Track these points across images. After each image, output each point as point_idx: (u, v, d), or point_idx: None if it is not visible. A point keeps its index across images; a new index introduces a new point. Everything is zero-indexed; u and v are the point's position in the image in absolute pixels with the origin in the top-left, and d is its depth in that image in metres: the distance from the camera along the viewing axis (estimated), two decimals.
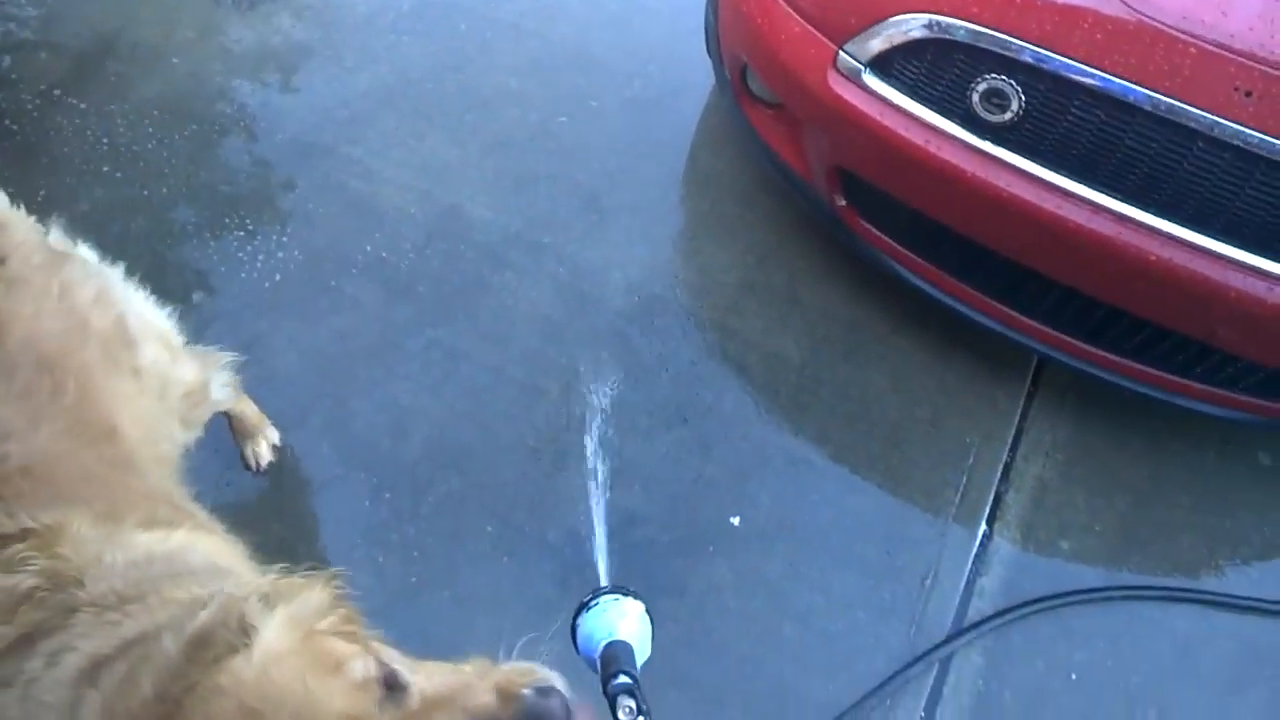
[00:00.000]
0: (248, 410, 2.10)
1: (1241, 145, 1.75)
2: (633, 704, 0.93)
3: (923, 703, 1.96)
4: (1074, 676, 2.01)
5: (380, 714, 0.91)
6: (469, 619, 1.96)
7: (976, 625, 2.02)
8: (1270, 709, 2.01)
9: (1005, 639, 2.03)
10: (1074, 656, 2.03)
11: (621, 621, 1.03)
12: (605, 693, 0.96)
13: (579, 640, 1.06)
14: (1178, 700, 2.01)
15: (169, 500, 1.44)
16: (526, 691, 0.92)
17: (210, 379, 1.84)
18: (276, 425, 2.16)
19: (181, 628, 1.01)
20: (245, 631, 0.96)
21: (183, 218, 2.56)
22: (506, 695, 0.92)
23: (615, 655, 0.99)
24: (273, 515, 2.10)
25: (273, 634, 0.97)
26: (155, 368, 1.65)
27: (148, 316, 1.73)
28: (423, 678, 0.96)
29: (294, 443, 2.18)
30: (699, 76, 2.85)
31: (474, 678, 0.96)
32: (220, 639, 0.96)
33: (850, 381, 2.37)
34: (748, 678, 1.94)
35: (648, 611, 1.07)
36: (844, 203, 2.33)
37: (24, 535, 1.18)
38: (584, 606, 1.07)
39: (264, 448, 2.13)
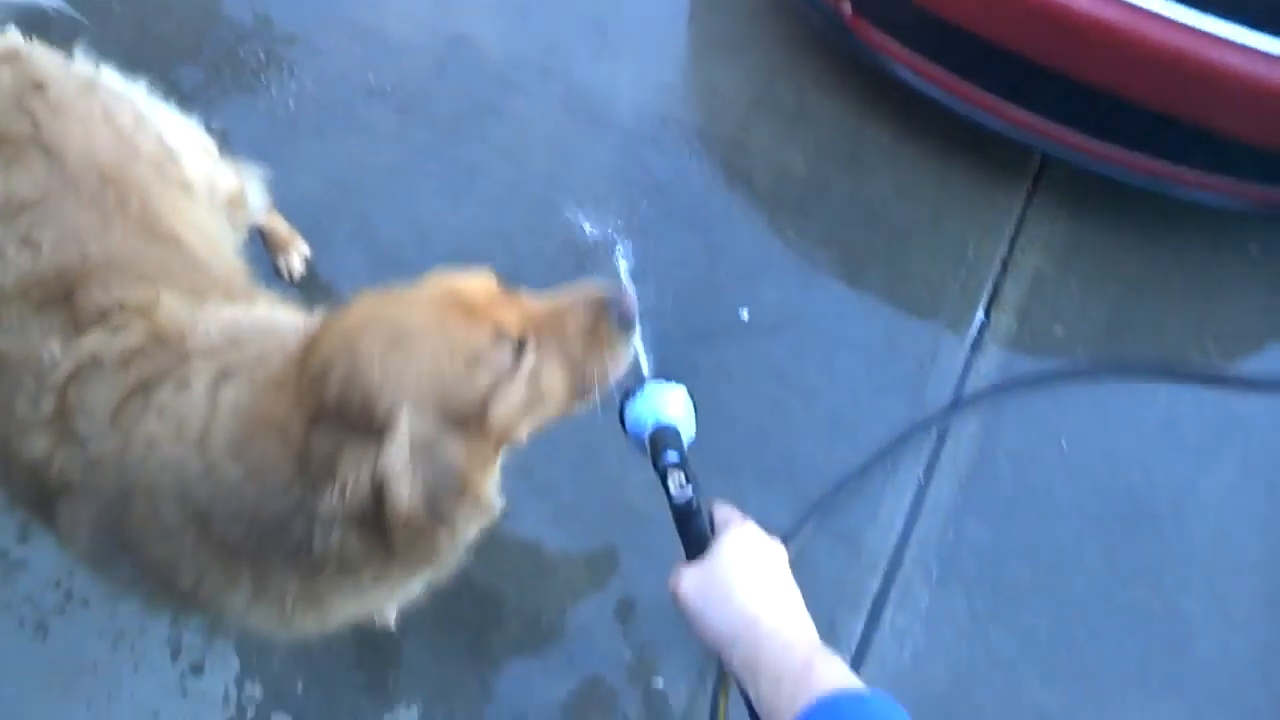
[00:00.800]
0: (278, 225, 2.21)
1: None
2: (682, 477, 1.00)
3: (922, 467, 2.11)
4: (1064, 444, 2.16)
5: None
6: None
7: (972, 399, 2.16)
8: (1243, 468, 2.16)
9: (1000, 411, 2.18)
10: (1064, 427, 2.17)
11: (667, 406, 1.10)
12: (656, 469, 1.04)
13: (627, 424, 1.13)
14: (1161, 463, 2.16)
15: (243, 286, 1.55)
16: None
17: (246, 185, 1.95)
18: (306, 241, 2.26)
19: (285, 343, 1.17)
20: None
21: (196, 52, 2.60)
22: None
23: (663, 436, 1.06)
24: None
25: None
26: (200, 178, 1.74)
27: (182, 130, 1.81)
28: None
29: (324, 256, 2.28)
30: None
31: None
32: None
33: (855, 188, 2.44)
34: (757, 447, 2.10)
35: (691, 396, 1.13)
36: (851, 11, 2.35)
37: (121, 307, 1.29)
38: (630, 394, 1.13)
39: (295, 259, 2.24)
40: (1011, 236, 2.38)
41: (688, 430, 1.10)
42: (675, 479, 1.01)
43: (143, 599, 1.46)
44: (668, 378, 1.16)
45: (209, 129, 2.40)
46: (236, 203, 1.91)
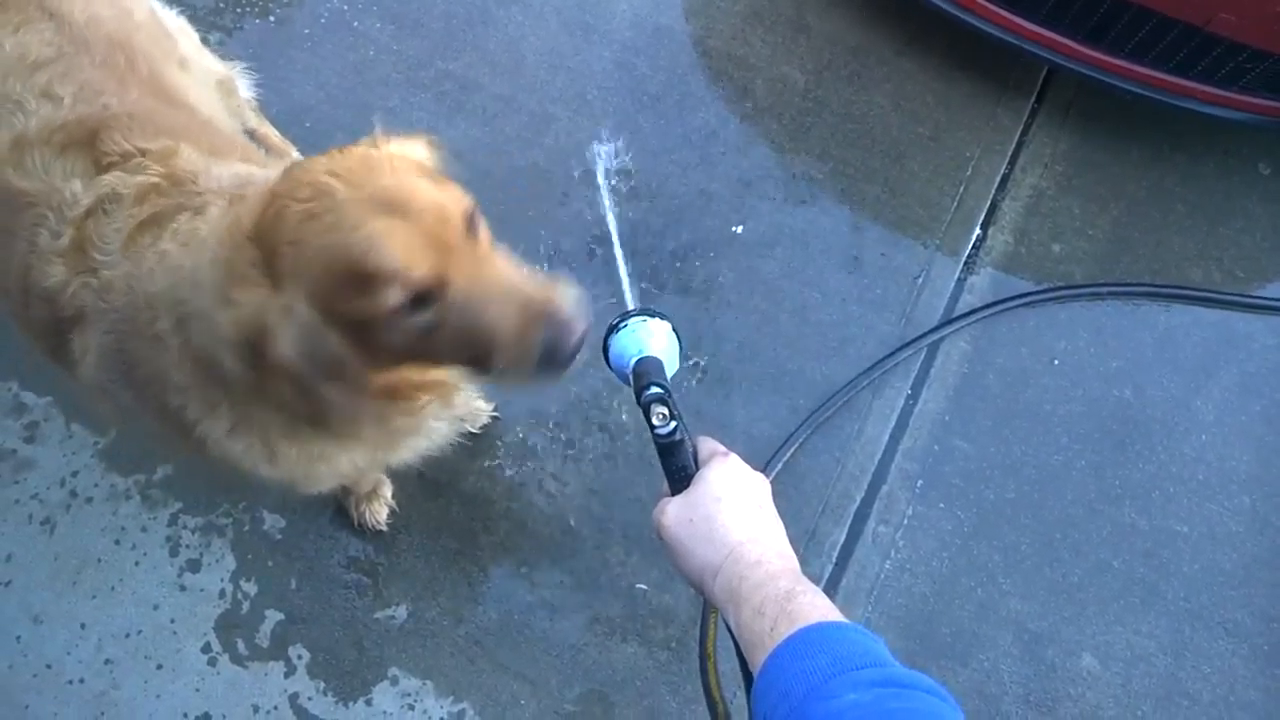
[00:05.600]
0: (270, 132, 2.21)
1: None
2: (665, 410, 1.00)
3: (910, 382, 2.11)
4: (1056, 362, 2.14)
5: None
6: None
7: (965, 315, 2.14)
8: (1240, 389, 2.14)
9: (992, 329, 2.16)
10: (1057, 345, 2.15)
11: (650, 340, 1.08)
12: (639, 402, 1.02)
13: (611, 358, 1.12)
14: (1155, 383, 2.14)
15: (259, 155, 1.56)
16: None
17: (234, 74, 1.96)
18: (300, 153, 2.26)
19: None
20: None
21: None
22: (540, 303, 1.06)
23: (646, 369, 1.04)
24: None
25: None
26: (195, 57, 1.76)
27: (170, 13, 1.81)
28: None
29: None
30: None
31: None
32: None
33: (854, 103, 2.39)
34: (747, 360, 2.10)
35: (675, 330, 1.12)
36: None
37: (141, 152, 1.32)
38: (614, 328, 1.11)
39: None
40: (1012, 154, 2.33)
41: (671, 363, 1.09)
42: (658, 412, 1.00)
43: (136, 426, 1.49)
44: (653, 312, 1.13)
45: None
46: (228, 88, 1.94)
